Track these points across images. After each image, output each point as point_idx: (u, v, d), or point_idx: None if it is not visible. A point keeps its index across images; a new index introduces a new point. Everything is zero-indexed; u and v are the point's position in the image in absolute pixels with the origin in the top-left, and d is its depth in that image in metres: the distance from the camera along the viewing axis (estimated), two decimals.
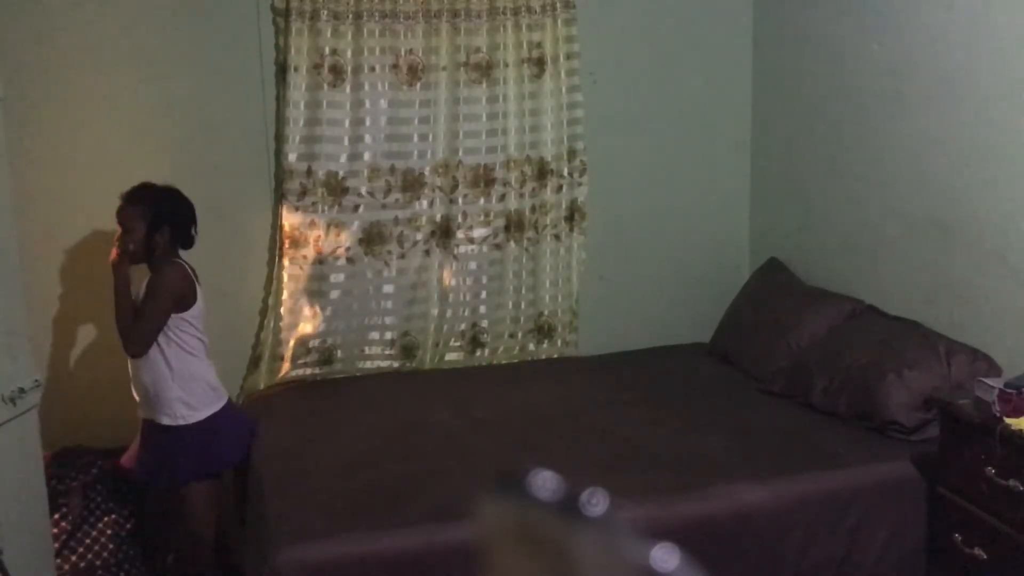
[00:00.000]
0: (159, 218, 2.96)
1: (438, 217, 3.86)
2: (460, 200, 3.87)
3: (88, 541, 3.24)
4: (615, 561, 0.51)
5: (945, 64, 3.13)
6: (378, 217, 3.79)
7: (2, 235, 2.58)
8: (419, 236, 3.85)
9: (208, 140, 3.63)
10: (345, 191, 3.73)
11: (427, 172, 3.81)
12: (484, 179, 3.89)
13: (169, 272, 2.96)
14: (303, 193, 3.67)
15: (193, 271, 3.05)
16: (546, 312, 4.08)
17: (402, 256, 3.85)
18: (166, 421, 2.99)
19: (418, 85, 3.75)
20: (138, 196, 2.97)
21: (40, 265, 3.36)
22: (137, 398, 3.06)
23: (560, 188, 4.00)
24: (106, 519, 3.29)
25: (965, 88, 3.06)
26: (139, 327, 2.93)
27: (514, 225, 3.94)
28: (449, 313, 3.95)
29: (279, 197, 3.69)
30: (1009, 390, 2.51)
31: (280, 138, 3.67)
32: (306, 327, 3.78)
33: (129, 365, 3.05)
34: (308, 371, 3.81)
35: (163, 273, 2.96)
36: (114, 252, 2.98)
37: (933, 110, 3.20)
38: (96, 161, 3.51)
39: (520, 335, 4.08)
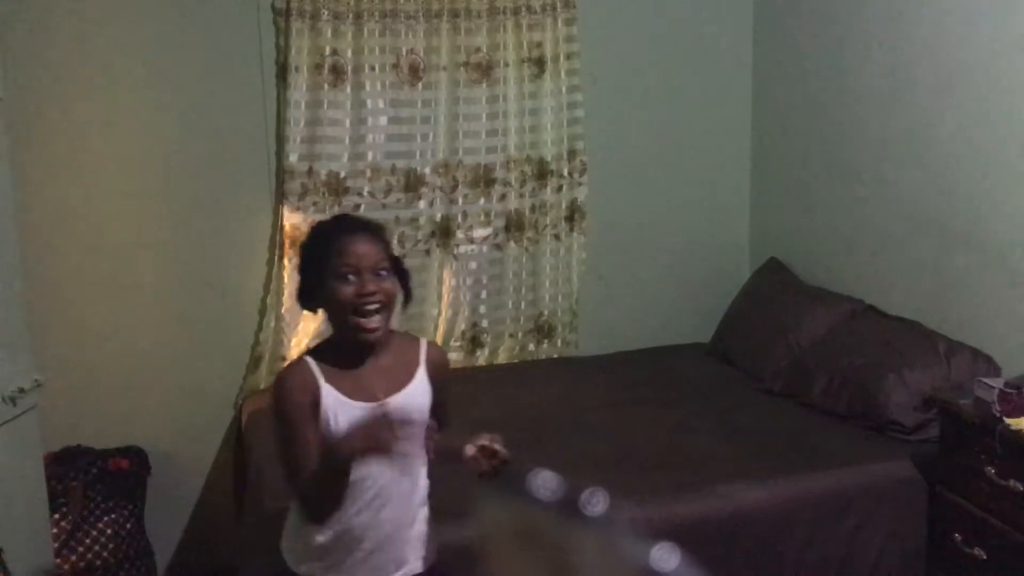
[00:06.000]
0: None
1: (438, 217, 3.86)
2: (460, 200, 3.87)
3: (88, 541, 3.24)
4: (615, 561, 0.51)
5: (945, 64, 3.13)
6: (379, 217, 3.78)
7: (2, 235, 2.58)
8: (419, 236, 3.85)
9: (208, 140, 3.62)
10: (346, 191, 3.72)
11: (427, 172, 3.81)
12: (484, 179, 3.88)
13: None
14: (304, 193, 3.67)
15: None
16: (546, 312, 4.07)
17: (402, 256, 3.84)
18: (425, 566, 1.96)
19: (419, 85, 3.75)
20: (376, 229, 1.90)
21: (40, 265, 3.35)
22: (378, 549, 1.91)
23: (560, 188, 4.00)
24: (106, 519, 3.29)
25: (965, 88, 3.06)
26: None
27: (514, 225, 3.94)
28: (449, 313, 3.95)
29: (280, 197, 3.69)
30: (1009, 390, 2.51)
31: (281, 138, 3.66)
32: (306, 327, 3.77)
33: (389, 506, 1.93)
34: None
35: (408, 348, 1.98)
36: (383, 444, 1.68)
37: (933, 110, 3.20)
38: (96, 160, 3.50)
39: (520, 335, 4.07)
